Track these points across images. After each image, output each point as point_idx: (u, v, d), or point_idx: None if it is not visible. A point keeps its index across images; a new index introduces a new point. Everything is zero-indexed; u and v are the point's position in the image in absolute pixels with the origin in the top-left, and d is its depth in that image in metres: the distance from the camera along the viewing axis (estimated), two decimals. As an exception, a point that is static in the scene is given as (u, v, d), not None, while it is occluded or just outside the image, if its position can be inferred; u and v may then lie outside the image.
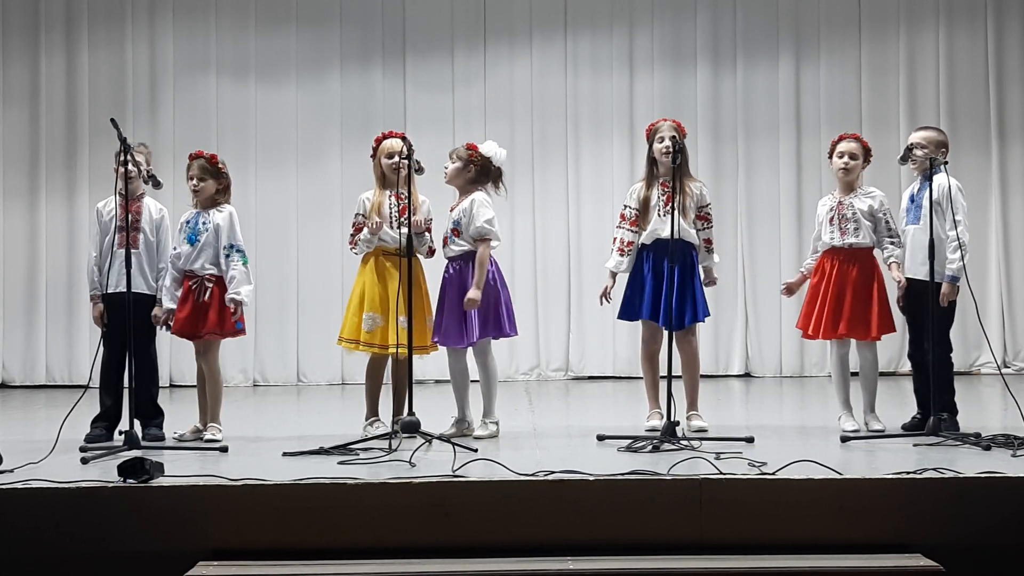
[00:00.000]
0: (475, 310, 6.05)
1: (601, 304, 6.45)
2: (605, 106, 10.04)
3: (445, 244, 6.23)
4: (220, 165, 6.24)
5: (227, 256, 6.14)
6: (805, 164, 9.97)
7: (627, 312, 6.40)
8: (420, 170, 6.06)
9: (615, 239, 6.39)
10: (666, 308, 6.15)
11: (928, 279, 5.97)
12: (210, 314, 6.09)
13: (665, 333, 6.16)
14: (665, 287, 6.15)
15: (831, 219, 6.31)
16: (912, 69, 10.00)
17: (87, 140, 9.82)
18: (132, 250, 6.09)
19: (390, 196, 6.30)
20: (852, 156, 6.30)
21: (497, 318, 6.16)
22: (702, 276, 6.33)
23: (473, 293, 6.03)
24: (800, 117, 10.02)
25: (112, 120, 5.86)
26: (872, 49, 10.02)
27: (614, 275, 6.39)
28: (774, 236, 10.01)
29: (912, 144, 6.20)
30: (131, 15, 9.91)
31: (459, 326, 6.09)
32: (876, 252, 6.35)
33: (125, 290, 5.86)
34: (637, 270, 6.34)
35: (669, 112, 9.44)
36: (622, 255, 6.34)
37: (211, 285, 6.11)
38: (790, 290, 6.57)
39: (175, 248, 6.23)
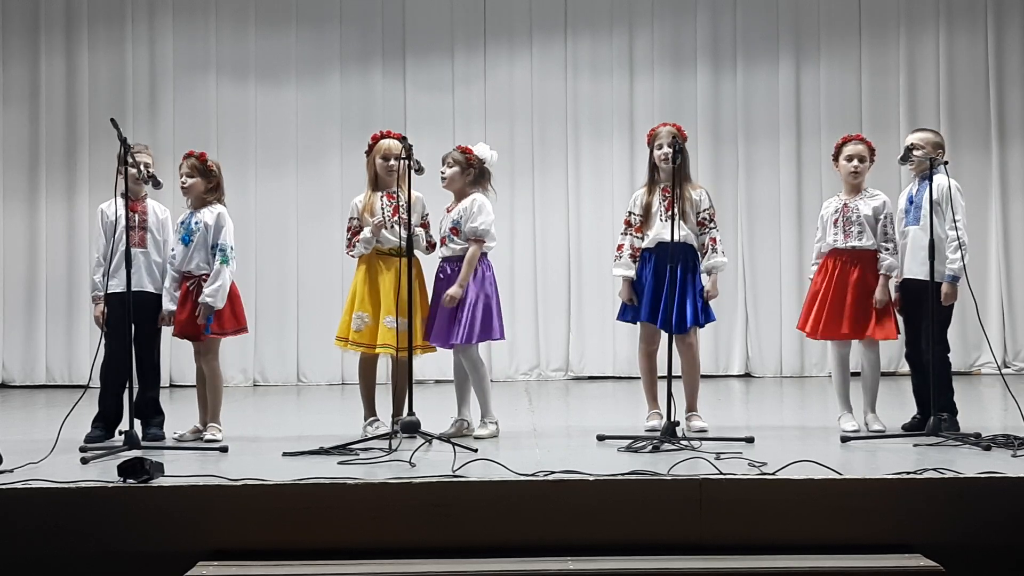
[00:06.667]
0: (466, 312, 6.06)
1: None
2: (605, 107, 10.04)
3: (443, 244, 6.26)
4: (209, 164, 6.24)
5: (213, 255, 6.15)
6: (805, 165, 9.99)
7: (627, 314, 6.42)
8: (420, 170, 6.05)
9: (621, 246, 6.39)
10: (665, 311, 6.16)
11: (927, 279, 5.97)
12: None
13: (664, 334, 6.18)
14: (666, 290, 6.16)
15: (835, 221, 6.31)
16: (912, 70, 10.00)
17: (87, 141, 9.83)
18: (140, 250, 6.14)
19: (382, 196, 6.29)
20: (861, 159, 6.31)
21: (487, 321, 6.16)
22: (705, 284, 6.32)
23: (454, 290, 6.08)
24: (800, 118, 10.03)
25: (112, 120, 5.85)
26: (872, 50, 10.03)
27: (630, 280, 6.35)
28: (774, 237, 10.01)
29: (911, 144, 6.21)
30: (131, 16, 9.92)
31: (449, 326, 6.11)
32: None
33: (133, 289, 5.87)
34: (637, 274, 6.35)
35: (669, 114, 9.47)
36: (634, 261, 6.34)
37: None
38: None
39: (172, 249, 6.24)
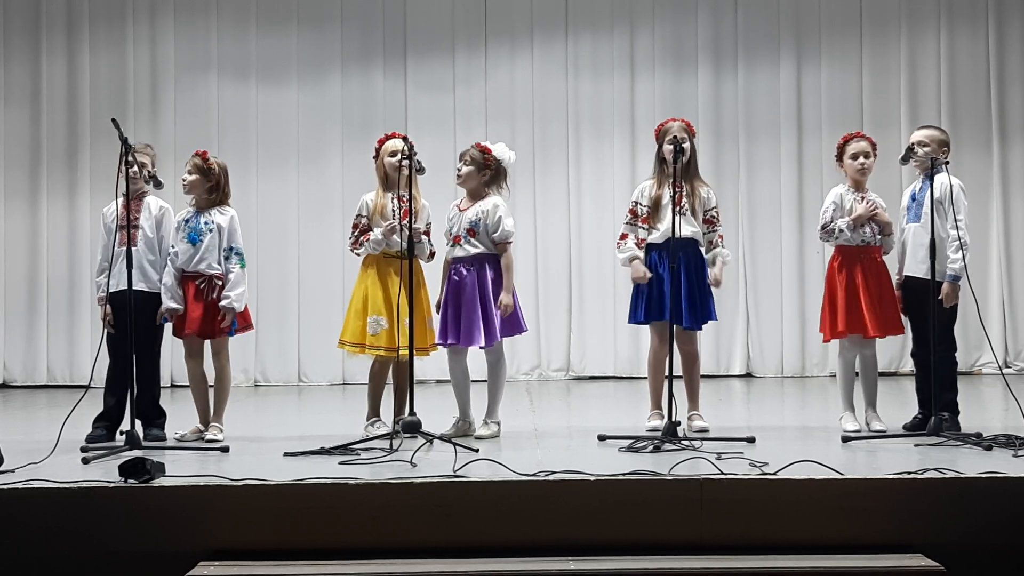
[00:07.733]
0: (493, 311, 6.06)
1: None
2: (606, 107, 10.04)
3: (457, 244, 6.17)
4: (210, 163, 6.23)
5: (226, 258, 6.17)
6: (806, 164, 9.98)
7: (643, 314, 6.29)
8: (421, 170, 6.06)
9: (625, 235, 6.33)
10: (679, 307, 6.12)
11: (928, 277, 5.98)
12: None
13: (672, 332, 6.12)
14: (681, 286, 6.14)
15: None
16: (913, 70, 10.00)
17: (88, 141, 9.84)
18: (131, 247, 6.10)
19: (393, 198, 6.29)
20: (866, 155, 6.34)
21: (514, 315, 6.17)
22: (708, 274, 6.31)
23: (507, 298, 6.08)
24: (801, 118, 10.03)
25: (113, 120, 5.86)
26: (873, 50, 10.03)
27: (639, 259, 6.26)
28: (775, 236, 10.01)
29: (913, 143, 6.22)
30: (132, 16, 9.92)
31: (479, 326, 6.06)
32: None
33: (127, 288, 5.87)
34: (650, 271, 6.28)
35: (670, 114, 9.41)
36: (640, 249, 6.30)
37: (220, 284, 6.14)
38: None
39: (173, 247, 6.24)
